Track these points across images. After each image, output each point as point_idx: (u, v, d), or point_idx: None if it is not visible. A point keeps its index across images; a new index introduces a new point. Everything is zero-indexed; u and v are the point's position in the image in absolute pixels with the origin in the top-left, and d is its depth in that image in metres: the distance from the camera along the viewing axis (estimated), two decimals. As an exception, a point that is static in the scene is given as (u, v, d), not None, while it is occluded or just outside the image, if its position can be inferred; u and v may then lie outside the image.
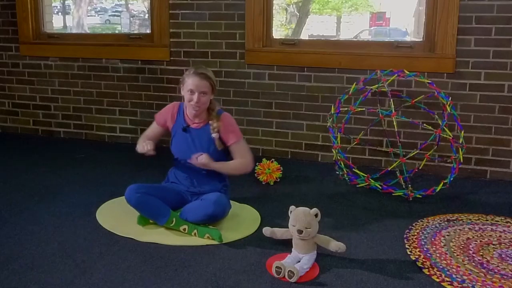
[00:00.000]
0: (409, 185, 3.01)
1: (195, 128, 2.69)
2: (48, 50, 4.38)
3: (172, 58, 4.03)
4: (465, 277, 2.14)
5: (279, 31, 12.94)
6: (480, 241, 2.49)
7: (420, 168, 3.26)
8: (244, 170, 2.70)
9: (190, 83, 2.58)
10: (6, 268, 2.18)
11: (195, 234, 2.48)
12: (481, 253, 2.36)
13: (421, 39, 3.60)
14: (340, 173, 3.30)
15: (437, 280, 2.12)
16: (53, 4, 6.69)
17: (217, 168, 2.63)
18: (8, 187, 3.19)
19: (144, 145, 2.62)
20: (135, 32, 13.89)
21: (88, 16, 16.69)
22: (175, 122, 2.75)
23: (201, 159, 2.56)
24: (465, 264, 2.25)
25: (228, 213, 2.68)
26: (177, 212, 2.58)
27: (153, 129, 2.83)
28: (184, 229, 2.51)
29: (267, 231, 2.44)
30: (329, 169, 3.56)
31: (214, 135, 2.64)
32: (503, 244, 2.46)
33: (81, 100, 4.39)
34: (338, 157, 3.21)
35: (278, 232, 2.42)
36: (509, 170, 3.44)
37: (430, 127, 3.08)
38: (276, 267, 2.12)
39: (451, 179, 3.06)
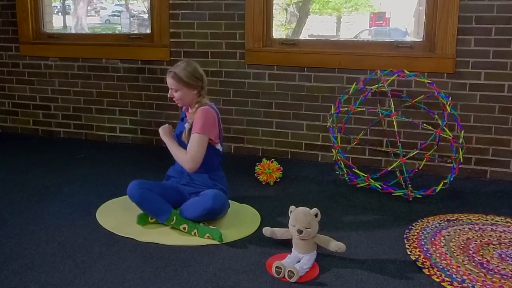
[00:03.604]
0: (409, 185, 3.01)
1: (187, 119, 2.77)
2: (48, 50, 4.38)
3: (172, 58, 4.03)
4: (465, 277, 2.14)
5: (279, 31, 12.95)
6: (480, 241, 2.49)
7: (420, 168, 3.26)
8: (180, 161, 2.69)
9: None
10: (6, 268, 2.18)
11: (195, 233, 2.48)
12: (481, 253, 2.36)
13: (421, 39, 3.60)
14: (340, 173, 3.30)
15: (437, 280, 2.12)
16: (53, 4, 6.69)
17: (166, 142, 2.75)
18: (8, 187, 3.19)
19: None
20: (135, 32, 13.90)
21: (88, 16, 16.70)
22: (180, 115, 2.88)
23: (162, 127, 2.77)
24: (465, 264, 2.25)
25: (226, 212, 2.69)
26: (177, 211, 2.58)
27: None
28: (184, 228, 2.51)
29: (267, 231, 2.44)
30: (329, 169, 3.56)
31: (186, 125, 2.71)
32: (503, 244, 2.46)
33: (81, 100, 4.39)
34: (338, 157, 3.21)
35: (278, 232, 2.42)
36: (509, 170, 3.44)
37: (430, 127, 3.08)
38: (276, 267, 2.12)
39: (451, 179, 3.06)
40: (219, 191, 2.61)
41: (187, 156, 2.64)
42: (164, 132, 2.77)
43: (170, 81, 2.72)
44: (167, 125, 2.83)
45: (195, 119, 2.67)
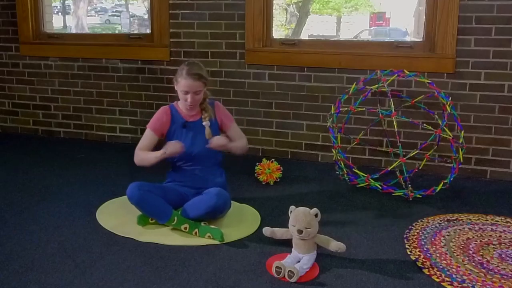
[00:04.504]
0: (409, 185, 3.01)
1: (193, 121, 2.74)
2: (48, 50, 4.38)
3: (172, 58, 4.03)
4: (465, 277, 2.14)
5: (279, 31, 12.95)
6: (480, 241, 2.49)
7: (420, 168, 3.26)
8: (246, 148, 2.87)
9: (183, 84, 2.62)
10: (6, 268, 2.18)
11: (195, 233, 2.48)
12: (481, 253, 2.36)
13: (421, 39, 3.60)
14: (340, 173, 3.30)
15: (437, 280, 2.12)
16: (53, 4, 6.70)
17: (232, 147, 2.74)
18: (8, 187, 3.19)
19: (170, 146, 2.60)
20: (135, 32, 13.90)
21: (88, 16, 16.70)
22: (170, 124, 2.75)
23: (220, 140, 2.66)
24: (465, 264, 2.25)
25: (227, 211, 2.69)
26: (178, 211, 2.58)
27: (150, 139, 2.74)
28: (185, 228, 2.51)
29: (267, 231, 2.44)
30: (329, 169, 3.56)
31: (205, 123, 2.70)
32: (503, 244, 2.46)
33: (81, 100, 4.39)
34: (338, 157, 3.21)
35: (278, 232, 2.42)
36: (509, 170, 3.44)
37: (430, 127, 3.08)
38: (276, 267, 2.12)
39: (451, 179, 3.06)
40: (221, 189, 2.61)
41: (245, 139, 2.86)
42: (226, 140, 2.68)
43: (196, 85, 2.61)
44: (221, 136, 2.71)
45: (222, 113, 2.79)
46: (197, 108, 2.73)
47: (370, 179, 3.11)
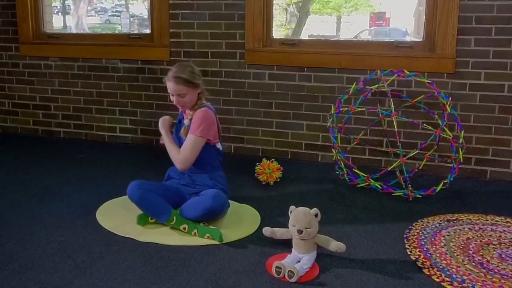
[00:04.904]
0: (409, 185, 3.01)
1: (184, 120, 2.78)
2: (48, 50, 4.38)
3: (172, 58, 4.03)
4: (465, 277, 2.14)
5: (279, 31, 12.95)
6: (480, 241, 2.49)
7: (420, 168, 3.26)
8: (172, 159, 2.71)
9: (167, 86, 2.69)
10: (6, 268, 2.18)
11: (195, 233, 2.48)
12: (481, 253, 2.36)
13: (421, 39, 3.60)
14: (340, 173, 3.30)
15: (437, 280, 2.12)
16: (53, 4, 6.70)
17: (162, 134, 2.75)
18: (8, 187, 3.19)
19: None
20: (135, 32, 13.90)
21: (88, 16, 16.70)
22: (177, 118, 2.87)
23: (163, 118, 2.76)
24: (465, 264, 2.25)
25: (226, 211, 2.69)
26: (177, 211, 2.58)
27: None
28: (184, 228, 2.51)
29: (267, 231, 2.44)
30: (329, 169, 3.56)
31: (186, 121, 2.72)
32: (503, 244, 2.46)
33: (81, 100, 4.39)
34: (338, 157, 3.21)
35: (278, 232, 2.42)
36: (509, 170, 3.44)
37: (430, 127, 3.08)
38: (276, 267, 2.12)
39: (451, 179, 3.06)
40: (219, 191, 2.61)
41: (180, 156, 2.66)
42: (163, 124, 2.77)
43: (178, 88, 2.64)
44: (168, 117, 2.81)
45: (193, 120, 2.68)
46: (191, 108, 2.74)
47: (370, 179, 3.11)
